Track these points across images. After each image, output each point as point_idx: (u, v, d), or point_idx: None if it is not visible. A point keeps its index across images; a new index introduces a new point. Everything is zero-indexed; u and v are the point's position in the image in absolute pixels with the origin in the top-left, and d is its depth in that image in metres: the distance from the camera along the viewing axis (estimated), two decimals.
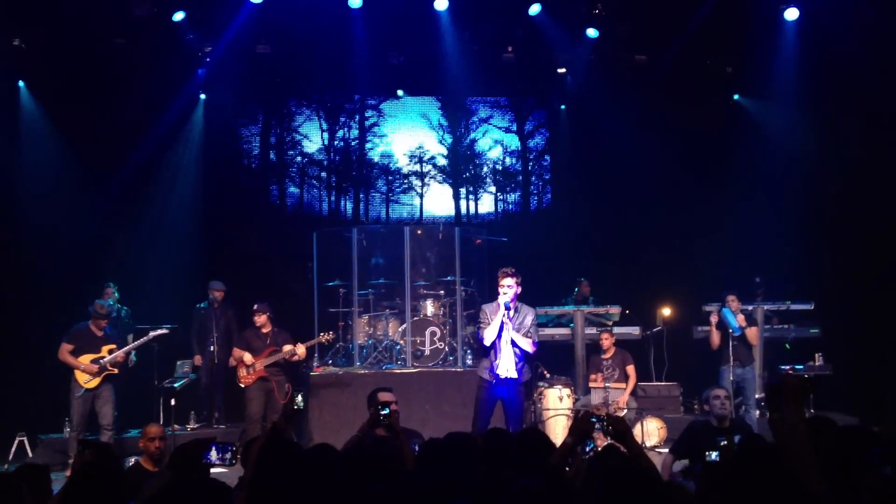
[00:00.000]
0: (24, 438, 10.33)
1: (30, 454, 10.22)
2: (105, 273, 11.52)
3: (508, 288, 7.90)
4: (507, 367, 7.89)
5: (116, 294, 11.20)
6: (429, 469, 3.78)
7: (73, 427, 9.62)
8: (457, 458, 3.90)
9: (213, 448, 3.88)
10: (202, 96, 13.34)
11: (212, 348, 11.27)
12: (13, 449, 10.23)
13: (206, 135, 13.41)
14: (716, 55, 13.20)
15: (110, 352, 9.69)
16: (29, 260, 11.70)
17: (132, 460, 7.75)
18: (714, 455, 4.43)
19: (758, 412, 10.81)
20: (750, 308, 11.31)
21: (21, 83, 12.15)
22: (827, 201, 12.30)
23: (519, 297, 8.01)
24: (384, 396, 6.54)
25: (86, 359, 9.62)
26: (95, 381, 9.60)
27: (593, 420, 4.29)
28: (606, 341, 11.04)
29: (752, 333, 10.51)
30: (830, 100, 11.96)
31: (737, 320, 10.29)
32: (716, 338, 10.50)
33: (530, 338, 7.95)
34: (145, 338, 10.04)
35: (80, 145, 12.18)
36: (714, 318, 10.45)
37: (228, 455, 3.94)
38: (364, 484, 3.50)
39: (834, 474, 3.36)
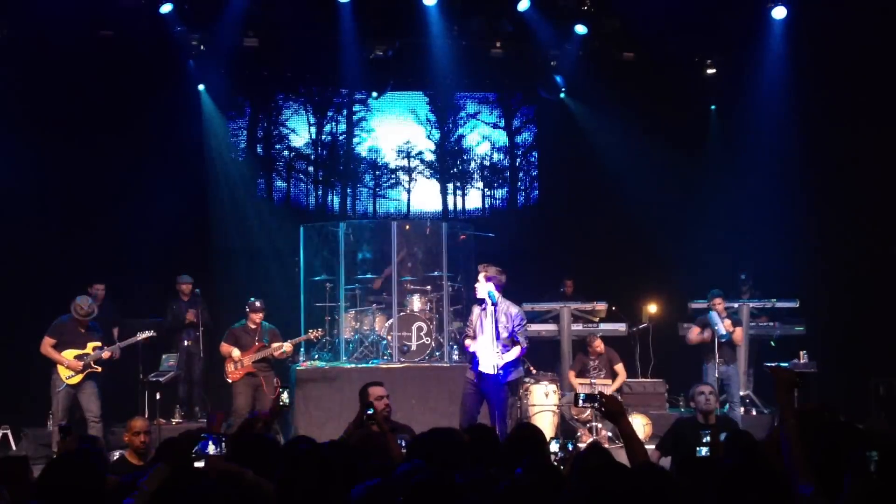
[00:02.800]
0: (8, 431, 10.27)
1: (13, 447, 10.16)
2: (90, 266, 11.46)
3: (476, 283, 8.03)
4: (487, 362, 7.93)
5: (99, 297, 11.07)
6: (416, 465, 3.77)
7: (56, 421, 9.50)
8: (443, 455, 3.90)
9: (210, 440, 3.91)
10: (201, 87, 13.18)
11: (186, 342, 11.24)
12: None
13: (195, 127, 13.30)
14: (703, 53, 13.21)
15: (95, 349, 9.60)
16: (12, 253, 11.61)
17: (117, 454, 7.72)
18: (704, 451, 4.45)
19: (742, 409, 10.88)
20: (735, 305, 11.36)
21: None
22: (813, 199, 12.35)
23: (504, 294, 8.08)
24: (375, 391, 6.53)
25: (69, 354, 9.50)
26: (78, 378, 9.49)
27: (583, 397, 4.35)
28: (599, 347, 11.11)
29: (738, 336, 10.59)
30: (817, 97, 12.00)
31: (724, 326, 10.35)
32: (695, 336, 10.57)
33: (517, 343, 7.97)
34: (132, 339, 9.98)
35: (67, 139, 12.09)
36: (706, 334, 10.48)
37: (223, 446, 3.97)
38: (351, 480, 3.49)
39: (823, 467, 3.37)
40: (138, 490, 3.44)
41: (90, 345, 9.57)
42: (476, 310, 8.20)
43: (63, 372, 9.47)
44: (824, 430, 3.60)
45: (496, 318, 7.89)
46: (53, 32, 11.49)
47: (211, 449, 3.95)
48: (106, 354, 9.60)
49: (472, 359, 8.16)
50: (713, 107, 13.82)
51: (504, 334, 7.91)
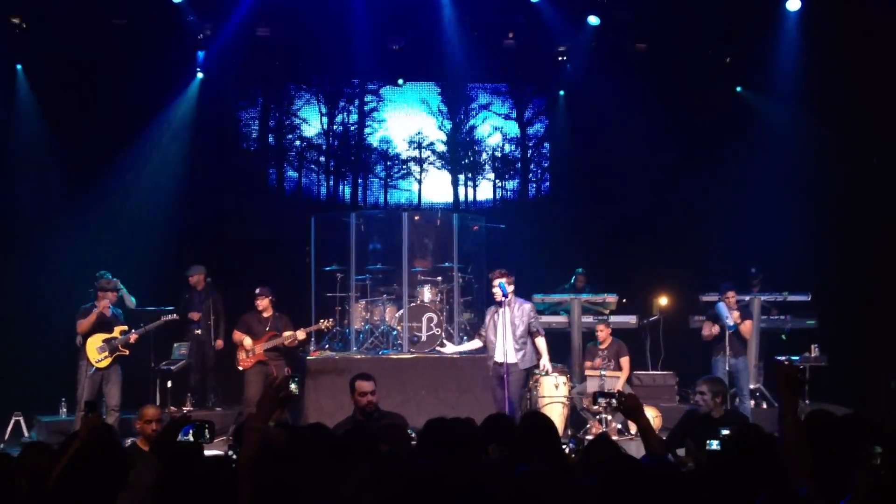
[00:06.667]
0: (21, 418, 10.33)
1: (26, 434, 10.22)
2: (99, 255, 11.50)
3: (493, 289, 8.78)
4: (505, 353, 8.62)
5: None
6: (429, 453, 3.79)
7: (81, 408, 9.49)
8: (458, 443, 3.91)
9: (193, 427, 3.99)
10: (199, 75, 13.19)
11: (197, 331, 11.27)
12: (9, 429, 10.23)
13: (206, 117, 13.32)
14: (717, 45, 13.16)
15: (122, 333, 9.70)
16: (23, 241, 11.67)
17: (128, 441, 7.77)
18: (714, 444, 4.46)
19: (752, 402, 10.85)
20: (746, 299, 11.32)
21: (19, 66, 12.09)
22: (825, 192, 12.29)
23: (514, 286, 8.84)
24: (361, 386, 6.56)
25: (98, 338, 9.60)
26: (107, 361, 9.58)
27: (602, 398, 4.47)
28: (602, 333, 11.07)
29: (747, 328, 10.53)
30: (831, 91, 11.94)
31: (732, 317, 10.31)
32: (707, 332, 10.55)
33: (538, 334, 8.88)
34: (157, 322, 10.09)
35: (77, 127, 12.14)
36: (716, 328, 10.46)
37: (206, 433, 4.06)
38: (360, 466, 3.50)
39: (832, 465, 3.36)
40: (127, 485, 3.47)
41: (117, 329, 9.71)
42: (490, 311, 8.91)
43: (92, 356, 9.55)
44: (828, 425, 3.59)
45: (512, 316, 8.66)
46: (67, 21, 11.54)
47: (191, 436, 4.04)
48: (133, 337, 9.72)
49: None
50: (739, 88, 13.70)
51: (521, 328, 8.69)
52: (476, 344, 9.19)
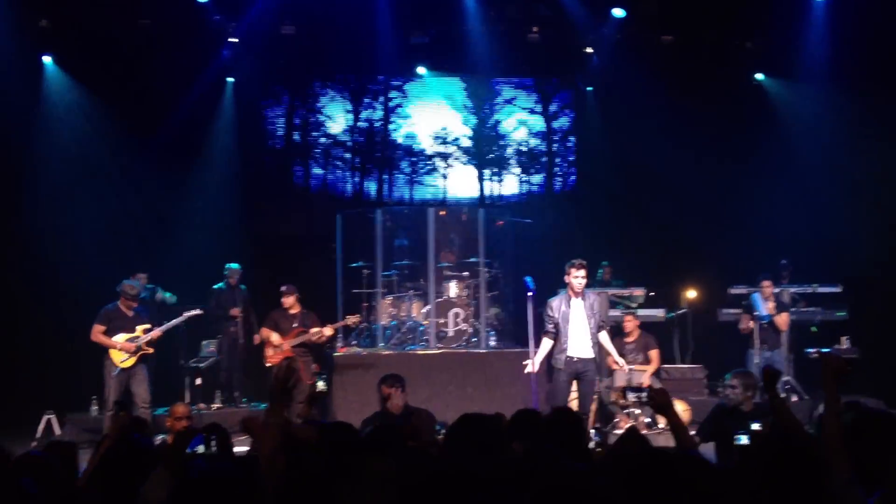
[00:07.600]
0: (52, 417, 10.41)
1: (57, 432, 10.30)
2: (132, 253, 11.60)
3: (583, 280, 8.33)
4: (583, 348, 8.24)
5: (141, 284, 11.17)
6: (456, 449, 3.78)
7: (109, 407, 9.56)
8: (485, 438, 3.90)
9: (200, 440, 4.01)
10: (229, 80, 13.31)
11: (232, 329, 11.32)
12: (41, 428, 10.33)
13: (232, 116, 13.42)
14: (743, 36, 13.04)
15: (145, 331, 9.70)
16: (58, 240, 11.79)
17: (159, 438, 7.83)
18: (744, 439, 4.44)
19: (783, 395, 10.76)
20: (777, 291, 11.23)
21: (49, 61, 12.24)
22: (855, 182, 12.16)
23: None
24: (383, 391, 6.55)
25: (121, 338, 9.57)
26: (131, 361, 9.55)
27: (631, 393, 4.43)
28: (630, 324, 10.98)
29: (782, 319, 10.45)
30: (859, 80, 11.80)
31: (766, 308, 10.22)
32: (744, 323, 10.47)
33: (602, 327, 8.52)
34: (179, 318, 10.06)
35: (105, 127, 12.27)
36: (751, 323, 10.39)
37: (212, 444, 4.09)
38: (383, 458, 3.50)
39: (866, 459, 3.33)
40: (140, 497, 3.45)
41: (139, 328, 9.63)
42: (554, 304, 8.36)
43: (116, 356, 9.50)
44: (863, 419, 3.55)
45: (587, 308, 8.27)
46: (92, 20, 11.66)
47: (200, 448, 4.04)
48: (156, 334, 9.67)
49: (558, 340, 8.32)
50: (763, 76, 13.56)
51: (594, 320, 8.30)
52: (548, 345, 8.41)
